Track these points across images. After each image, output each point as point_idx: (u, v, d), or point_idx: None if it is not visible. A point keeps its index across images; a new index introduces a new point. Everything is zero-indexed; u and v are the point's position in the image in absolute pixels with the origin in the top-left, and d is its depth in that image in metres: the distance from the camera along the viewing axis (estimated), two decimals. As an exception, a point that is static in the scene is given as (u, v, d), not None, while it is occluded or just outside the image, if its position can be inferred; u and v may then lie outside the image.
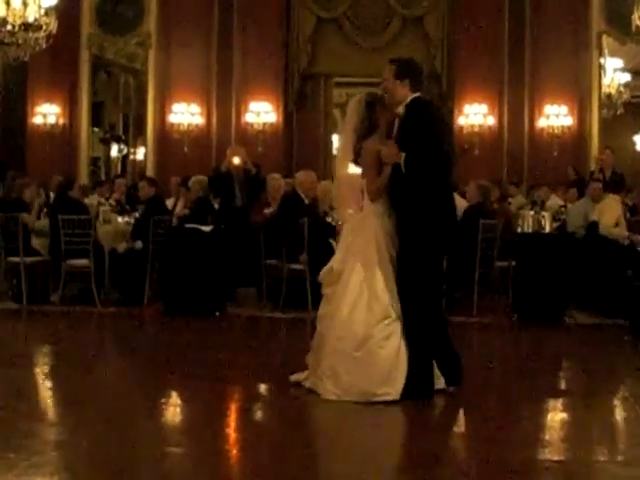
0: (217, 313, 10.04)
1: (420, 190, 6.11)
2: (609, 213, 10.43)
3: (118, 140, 19.11)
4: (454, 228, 6.45)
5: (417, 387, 6.07)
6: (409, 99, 6.25)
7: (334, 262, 6.39)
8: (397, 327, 6.08)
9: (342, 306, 6.18)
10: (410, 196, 6.14)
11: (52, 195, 12.81)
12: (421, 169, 6.09)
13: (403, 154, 6.09)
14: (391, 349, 6.03)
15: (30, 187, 11.44)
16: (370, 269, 6.15)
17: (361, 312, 6.09)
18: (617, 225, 10.42)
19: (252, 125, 17.08)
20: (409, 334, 6.10)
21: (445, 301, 6.79)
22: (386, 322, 6.05)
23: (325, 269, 6.43)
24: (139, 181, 13.05)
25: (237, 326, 9.97)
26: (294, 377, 6.52)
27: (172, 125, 17.17)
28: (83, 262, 10.38)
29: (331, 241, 10.23)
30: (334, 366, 6.12)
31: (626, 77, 17.37)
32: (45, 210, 11.43)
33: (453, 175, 6.53)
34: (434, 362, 6.20)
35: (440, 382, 6.25)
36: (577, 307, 10.38)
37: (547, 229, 10.13)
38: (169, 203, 12.25)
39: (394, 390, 6.00)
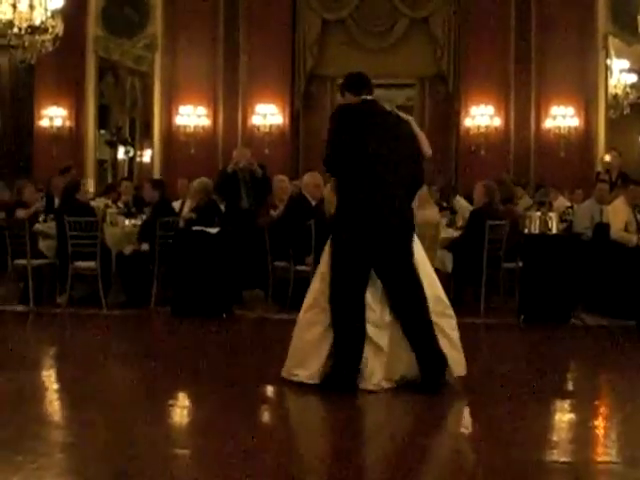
0: (224, 315, 10.04)
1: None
2: (618, 217, 10.40)
3: (125, 142, 19.12)
4: (359, 234, 6.40)
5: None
6: None
7: None
8: (324, 318, 6.45)
9: None
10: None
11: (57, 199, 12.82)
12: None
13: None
14: (312, 336, 6.49)
15: (28, 187, 11.49)
16: (321, 267, 6.64)
17: (307, 302, 6.66)
18: (627, 229, 10.37)
19: (258, 127, 17.11)
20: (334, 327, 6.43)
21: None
22: (314, 312, 6.53)
23: None
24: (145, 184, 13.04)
25: (244, 328, 9.96)
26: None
27: (178, 127, 17.21)
28: (90, 264, 10.38)
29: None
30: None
31: (632, 78, 17.33)
32: (48, 215, 11.44)
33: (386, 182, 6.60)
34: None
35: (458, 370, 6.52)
36: (584, 308, 10.36)
37: (554, 230, 10.10)
38: (176, 205, 12.25)
39: (306, 373, 6.44)
